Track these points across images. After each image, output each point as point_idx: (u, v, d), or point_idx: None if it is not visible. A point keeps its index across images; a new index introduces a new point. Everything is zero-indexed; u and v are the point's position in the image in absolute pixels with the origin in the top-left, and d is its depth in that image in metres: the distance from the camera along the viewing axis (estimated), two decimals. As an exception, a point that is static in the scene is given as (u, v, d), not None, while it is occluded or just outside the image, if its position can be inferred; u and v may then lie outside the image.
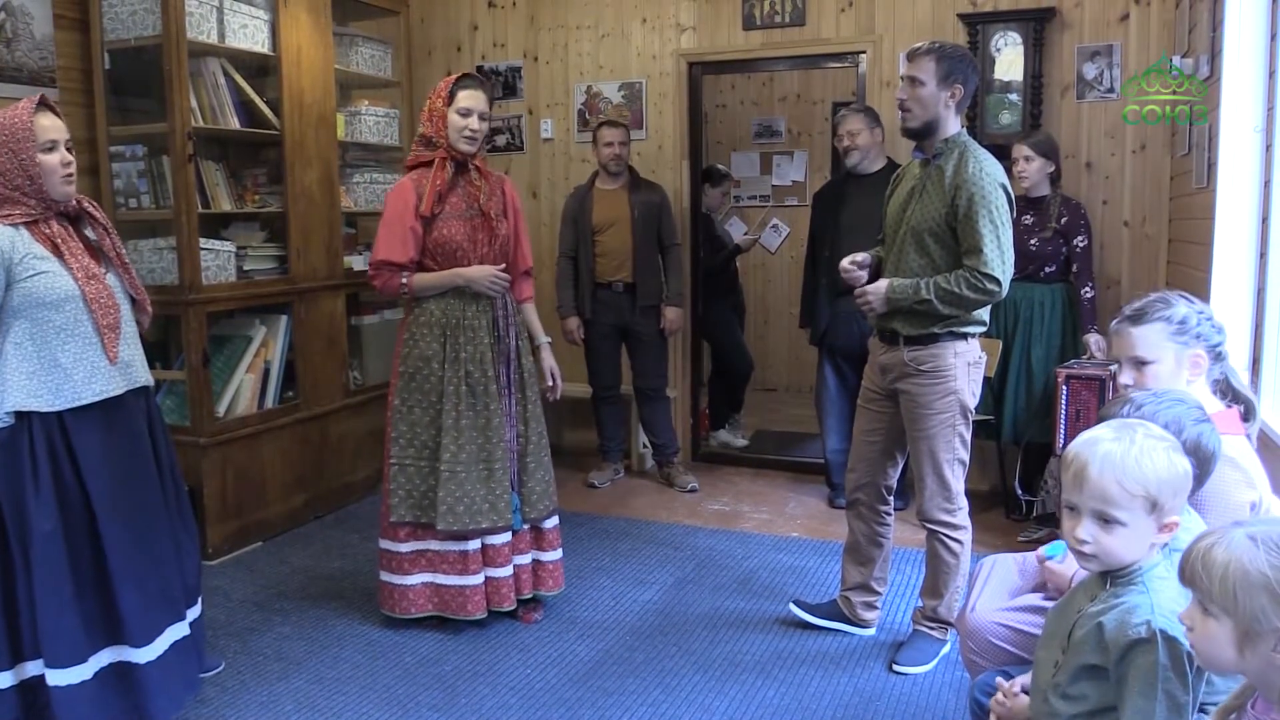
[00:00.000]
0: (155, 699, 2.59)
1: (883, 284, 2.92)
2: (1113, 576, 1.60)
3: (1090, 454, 1.55)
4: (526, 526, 3.33)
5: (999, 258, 2.77)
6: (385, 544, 3.29)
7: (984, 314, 2.93)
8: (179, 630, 2.69)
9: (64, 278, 2.46)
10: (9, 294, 2.41)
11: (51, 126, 2.47)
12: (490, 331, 3.22)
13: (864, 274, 3.03)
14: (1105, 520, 1.54)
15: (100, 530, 2.49)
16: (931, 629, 3.09)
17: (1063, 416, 3.73)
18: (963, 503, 2.99)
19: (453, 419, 3.16)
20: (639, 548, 4.11)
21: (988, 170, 2.79)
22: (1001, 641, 2.16)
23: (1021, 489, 4.24)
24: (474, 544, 3.23)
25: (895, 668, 3.02)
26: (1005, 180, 2.83)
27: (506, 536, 3.26)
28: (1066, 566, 2.16)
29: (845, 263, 3.04)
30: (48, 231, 2.48)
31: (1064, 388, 3.74)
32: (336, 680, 3.00)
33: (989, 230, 2.76)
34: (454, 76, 3.22)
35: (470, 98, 3.16)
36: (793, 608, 3.32)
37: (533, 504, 3.32)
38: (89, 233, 2.62)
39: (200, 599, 2.88)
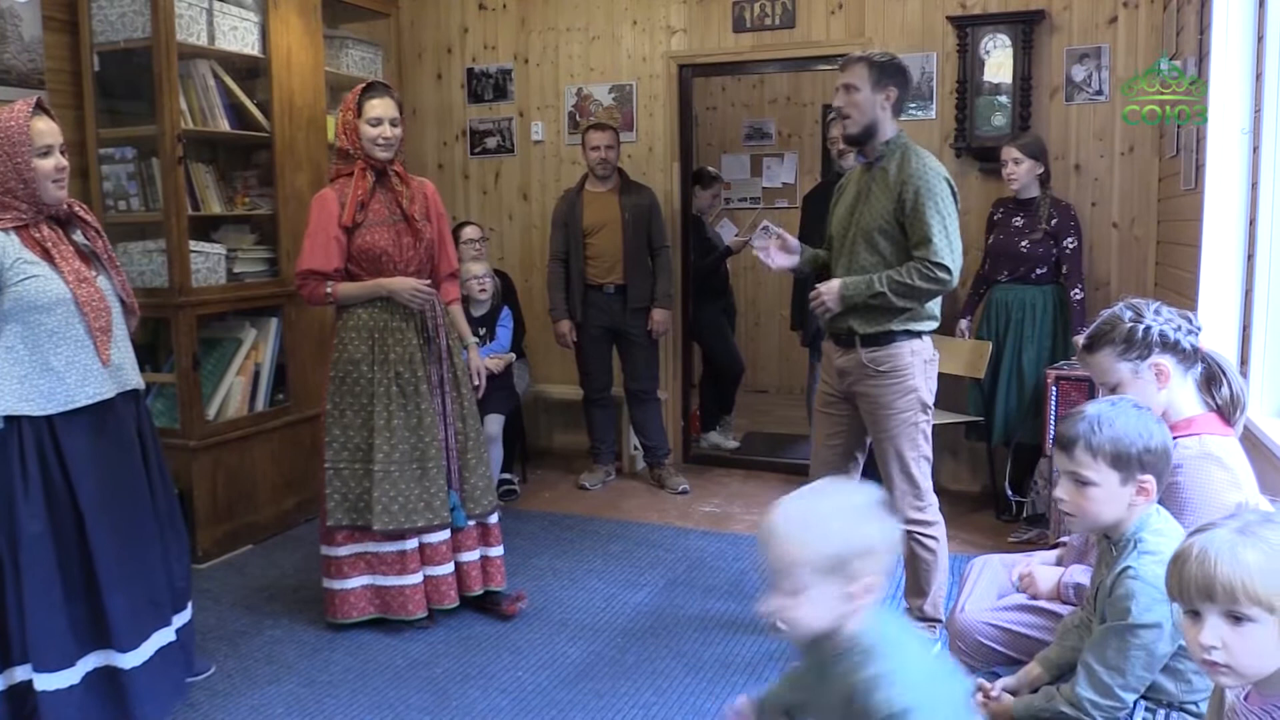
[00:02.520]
0: (142, 704, 2.58)
1: (835, 283, 2.95)
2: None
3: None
4: (472, 523, 3.35)
5: (948, 246, 2.83)
6: (325, 549, 3.30)
7: (935, 309, 2.98)
8: (165, 636, 2.68)
9: (55, 281, 2.45)
10: (0, 299, 2.41)
11: (47, 131, 2.46)
12: (419, 333, 3.24)
13: (788, 258, 3.16)
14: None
15: (88, 534, 2.49)
16: (920, 627, 3.09)
17: (1052, 417, 3.75)
18: (932, 499, 3.01)
19: (384, 419, 3.18)
20: (630, 549, 4.11)
21: (931, 165, 2.87)
22: (990, 641, 2.17)
23: (1011, 490, 4.25)
24: (411, 543, 3.24)
25: (886, 668, 3.02)
26: (948, 174, 2.90)
27: (444, 534, 3.28)
28: (1043, 575, 2.20)
29: (767, 225, 3.18)
30: (37, 235, 2.47)
31: (1053, 389, 3.76)
32: (328, 684, 2.99)
33: (936, 221, 2.82)
34: (360, 87, 3.24)
35: (378, 106, 3.18)
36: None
37: (476, 500, 3.35)
38: (78, 236, 2.61)
39: (190, 603, 2.87)
